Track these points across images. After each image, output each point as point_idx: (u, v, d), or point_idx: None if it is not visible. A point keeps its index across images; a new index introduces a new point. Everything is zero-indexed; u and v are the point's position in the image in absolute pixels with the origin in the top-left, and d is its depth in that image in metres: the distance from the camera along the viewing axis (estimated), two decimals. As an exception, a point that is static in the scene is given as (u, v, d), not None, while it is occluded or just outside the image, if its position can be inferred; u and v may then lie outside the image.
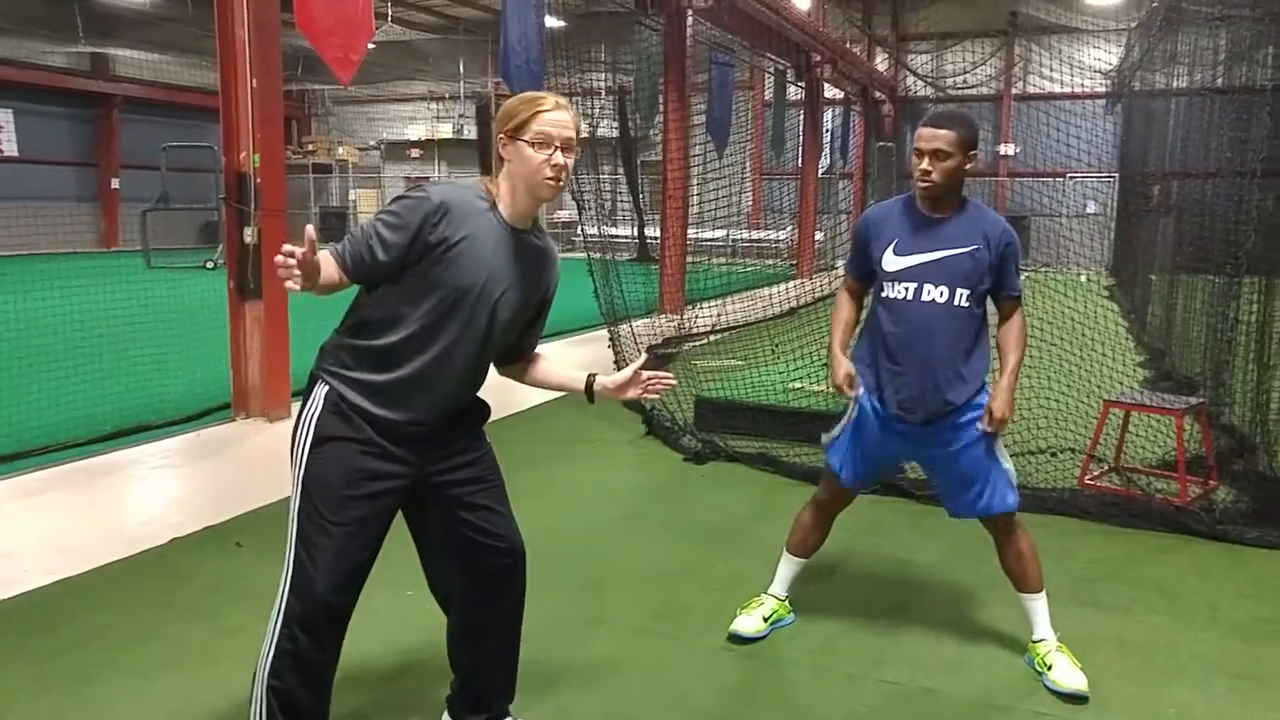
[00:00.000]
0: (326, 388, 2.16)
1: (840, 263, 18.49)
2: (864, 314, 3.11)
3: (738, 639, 3.13)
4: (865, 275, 3.04)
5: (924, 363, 2.85)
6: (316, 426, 2.15)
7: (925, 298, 2.83)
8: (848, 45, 18.55)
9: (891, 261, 2.89)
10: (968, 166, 2.82)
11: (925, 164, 2.78)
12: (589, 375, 2.38)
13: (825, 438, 3.16)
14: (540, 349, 2.46)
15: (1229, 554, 4.00)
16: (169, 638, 3.11)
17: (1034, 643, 2.97)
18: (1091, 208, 18.22)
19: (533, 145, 2.09)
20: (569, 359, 8.64)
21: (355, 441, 2.13)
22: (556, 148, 2.10)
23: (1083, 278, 14.38)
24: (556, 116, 2.10)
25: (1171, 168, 12.06)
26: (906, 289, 2.86)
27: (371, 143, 29.77)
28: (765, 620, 3.18)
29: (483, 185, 2.19)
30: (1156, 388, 6.76)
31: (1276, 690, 2.90)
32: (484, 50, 26.62)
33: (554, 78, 8.01)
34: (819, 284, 14.62)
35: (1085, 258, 16.06)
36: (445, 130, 28.84)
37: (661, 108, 12.01)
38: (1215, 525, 4.17)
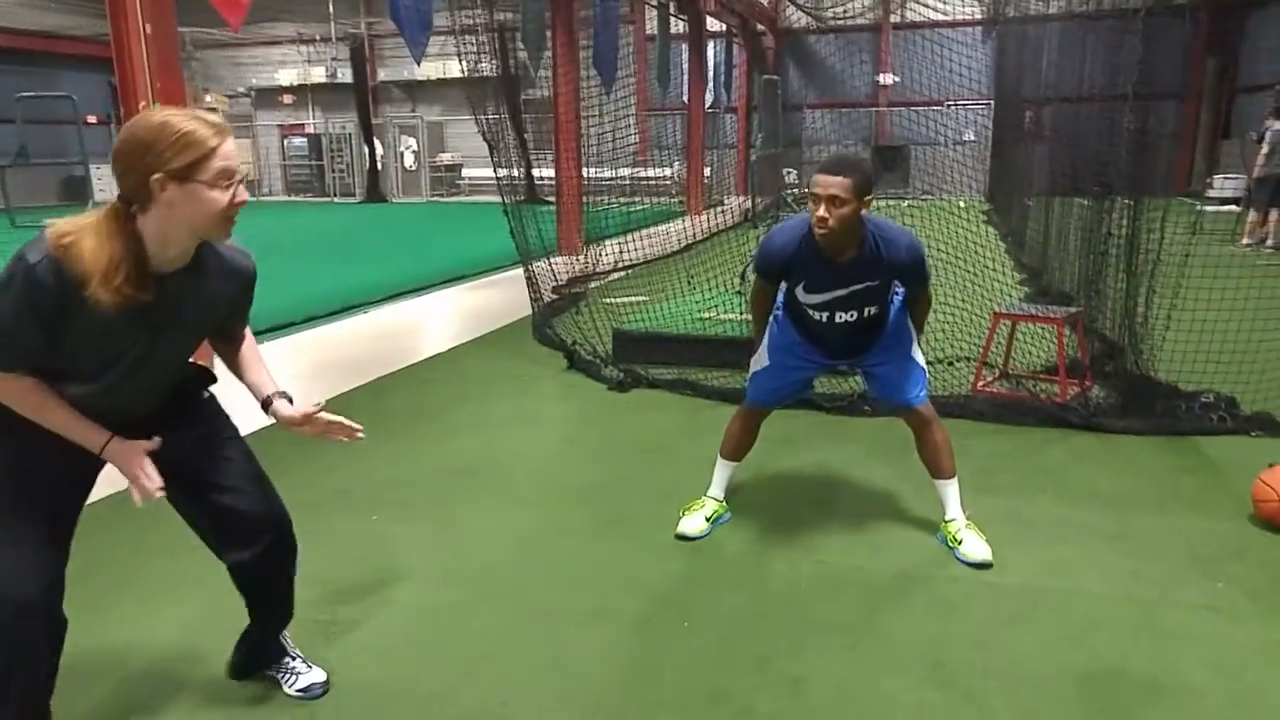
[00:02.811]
0: None
1: (729, 198, 18.87)
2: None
3: (683, 538, 3.42)
4: (776, 278, 3.26)
5: (843, 347, 3.29)
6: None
7: (839, 320, 3.18)
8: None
9: (804, 296, 3.18)
10: (863, 211, 2.93)
11: (822, 210, 2.86)
12: (270, 394, 2.19)
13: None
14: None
15: (1103, 442, 4.50)
16: None
17: (946, 522, 3.36)
18: (969, 135, 19.03)
19: (213, 186, 1.83)
20: (467, 304, 8.73)
21: (39, 440, 1.97)
22: (237, 181, 1.88)
23: (961, 203, 15.11)
24: (231, 146, 1.85)
25: (1044, 93, 12.71)
26: (821, 315, 3.19)
27: (241, 89, 28.40)
28: (707, 520, 3.47)
29: (67, 257, 1.78)
30: (1036, 301, 7.32)
31: (1140, 543, 3.39)
32: (356, -12, 25.74)
33: (456, 12, 7.84)
34: (711, 220, 14.94)
35: (964, 184, 16.84)
36: (319, 74, 27.76)
37: (550, 44, 11.92)
38: (1091, 418, 4.68)
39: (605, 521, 3.66)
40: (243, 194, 1.89)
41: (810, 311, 3.21)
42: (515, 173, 8.33)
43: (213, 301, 2.07)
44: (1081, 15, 8.70)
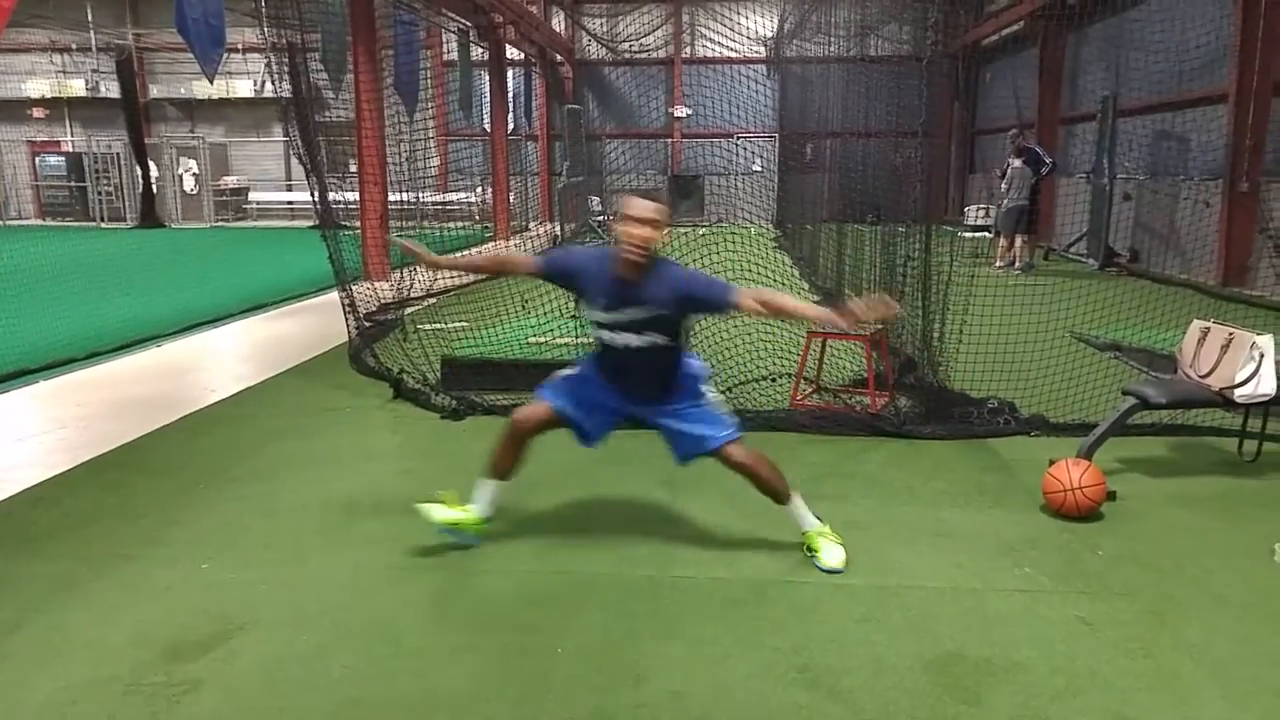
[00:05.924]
0: None
1: (534, 224, 18.95)
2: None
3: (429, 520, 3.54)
4: (556, 278, 3.51)
5: (631, 380, 3.46)
6: None
7: (621, 344, 3.37)
8: (528, 6, 18.86)
9: (596, 315, 3.39)
10: (663, 242, 3.28)
11: (637, 230, 3.18)
12: None
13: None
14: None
15: (913, 447, 4.90)
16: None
17: (805, 534, 3.54)
18: (758, 165, 20.12)
19: None
20: (273, 334, 8.31)
21: None
22: None
23: (752, 230, 15.95)
24: None
25: (820, 128, 13.69)
26: (611, 335, 3.39)
27: (-25, 99, 25.71)
28: (451, 523, 3.57)
29: None
30: (834, 320, 7.84)
31: (958, 538, 3.74)
32: (121, -3, 23.97)
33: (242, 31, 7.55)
34: (517, 244, 14.98)
35: (754, 212, 17.81)
36: (77, 87, 25.60)
37: (351, 66, 11.60)
38: (901, 426, 5.09)
39: (458, 553, 3.59)
40: None
41: (604, 334, 3.39)
42: (313, 196, 8.03)
43: None
44: (860, 60, 9.47)
